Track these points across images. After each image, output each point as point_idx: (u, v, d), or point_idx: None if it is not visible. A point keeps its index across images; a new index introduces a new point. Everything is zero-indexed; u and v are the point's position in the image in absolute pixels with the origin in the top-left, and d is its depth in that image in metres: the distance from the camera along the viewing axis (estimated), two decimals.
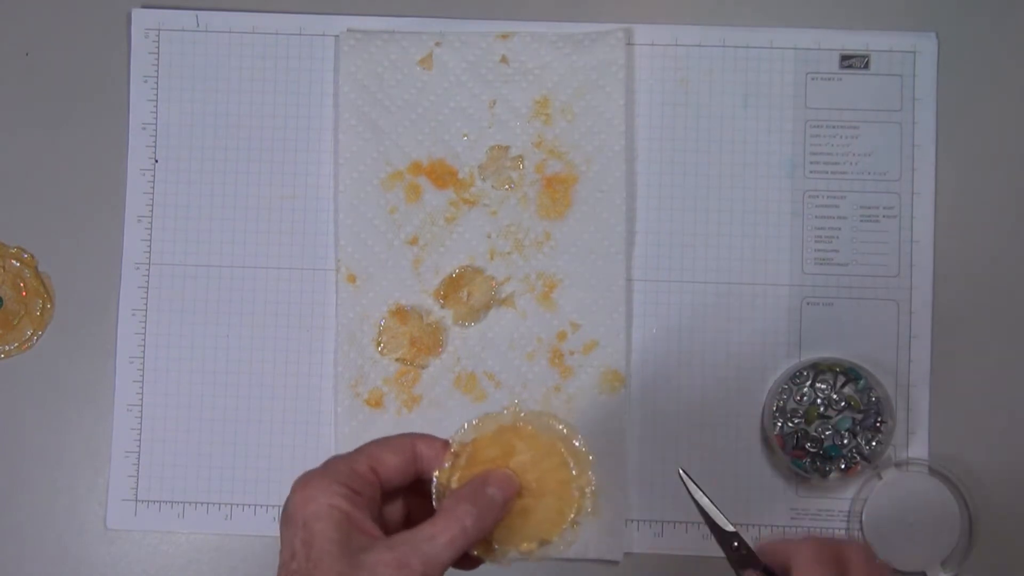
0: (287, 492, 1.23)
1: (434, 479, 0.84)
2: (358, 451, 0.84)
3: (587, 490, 0.85)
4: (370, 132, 1.25)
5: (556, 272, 1.23)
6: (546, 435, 0.86)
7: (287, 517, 0.81)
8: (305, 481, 0.81)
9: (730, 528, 0.87)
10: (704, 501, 0.89)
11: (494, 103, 1.25)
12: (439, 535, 0.79)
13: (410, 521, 0.86)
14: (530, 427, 0.86)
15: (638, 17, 1.27)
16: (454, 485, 0.84)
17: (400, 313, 1.23)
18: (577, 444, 0.86)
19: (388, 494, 0.85)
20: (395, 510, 0.87)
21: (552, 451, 0.86)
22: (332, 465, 0.82)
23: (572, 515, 0.85)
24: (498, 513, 0.83)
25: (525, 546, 0.85)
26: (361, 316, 1.24)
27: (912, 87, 1.26)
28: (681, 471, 0.89)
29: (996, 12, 1.27)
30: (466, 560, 0.84)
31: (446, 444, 0.86)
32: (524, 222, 1.24)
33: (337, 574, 0.76)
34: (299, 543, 0.79)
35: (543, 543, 0.85)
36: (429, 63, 1.25)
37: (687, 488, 0.89)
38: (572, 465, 0.85)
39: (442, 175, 1.24)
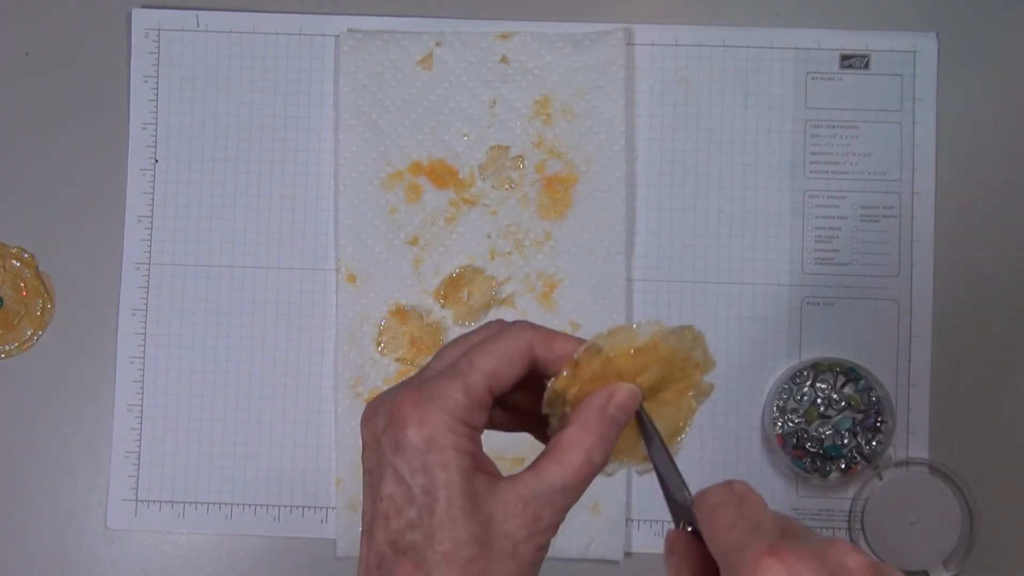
0: (287, 492, 1.23)
1: (548, 385, 0.75)
2: (469, 363, 0.73)
3: (703, 396, 0.79)
4: (370, 132, 1.25)
5: (556, 272, 1.23)
6: (683, 355, 0.77)
7: (397, 447, 0.71)
8: (423, 412, 0.70)
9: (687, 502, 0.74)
10: (661, 455, 0.76)
11: (494, 103, 1.25)
12: (569, 479, 0.72)
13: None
14: (666, 347, 0.76)
15: (638, 17, 1.27)
16: (570, 397, 0.75)
17: (400, 313, 1.23)
18: (699, 353, 0.78)
19: None
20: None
21: (683, 370, 0.78)
22: (445, 390, 0.71)
23: (683, 426, 0.79)
24: (620, 432, 0.74)
25: (636, 460, 0.78)
26: (361, 316, 1.24)
27: (912, 87, 1.26)
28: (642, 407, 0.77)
29: (996, 12, 1.27)
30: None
31: (573, 344, 0.75)
32: (524, 222, 1.24)
33: (466, 536, 0.69)
34: (419, 490, 0.70)
35: (645, 459, 0.78)
36: (429, 63, 1.25)
37: (644, 427, 0.77)
38: (694, 376, 0.78)
39: (442, 175, 1.24)
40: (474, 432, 0.71)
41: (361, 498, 0.75)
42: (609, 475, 0.78)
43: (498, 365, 0.73)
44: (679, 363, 0.77)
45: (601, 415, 0.73)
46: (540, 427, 0.77)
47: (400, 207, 1.24)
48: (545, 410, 0.76)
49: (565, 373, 0.74)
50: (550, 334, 0.75)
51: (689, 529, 0.72)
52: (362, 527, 0.73)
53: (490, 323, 0.77)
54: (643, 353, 0.76)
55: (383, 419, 0.71)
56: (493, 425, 0.77)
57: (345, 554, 1.22)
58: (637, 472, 0.79)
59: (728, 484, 0.71)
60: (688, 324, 0.76)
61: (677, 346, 0.76)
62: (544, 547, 0.72)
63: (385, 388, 1.16)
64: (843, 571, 0.63)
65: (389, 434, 0.71)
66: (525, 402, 0.78)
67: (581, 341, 0.75)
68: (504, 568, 0.70)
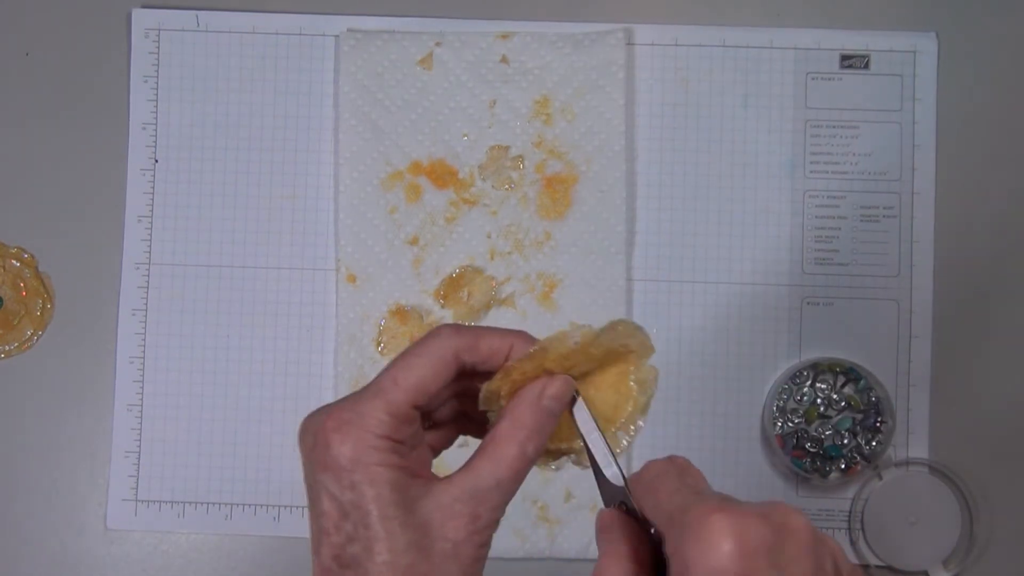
0: (287, 492, 1.23)
1: (482, 388, 0.75)
2: (391, 381, 0.72)
3: (648, 379, 0.78)
4: (370, 132, 1.25)
5: (556, 272, 1.23)
6: (616, 345, 0.76)
7: (324, 465, 0.71)
8: (344, 434, 0.70)
9: (620, 484, 0.73)
10: (593, 438, 0.75)
11: (494, 103, 1.25)
12: (503, 474, 0.72)
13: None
14: (598, 346, 0.75)
15: (638, 17, 1.27)
16: (504, 393, 0.75)
17: (400, 313, 1.23)
18: (636, 338, 0.77)
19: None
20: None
21: (618, 356, 0.77)
22: (367, 409, 0.71)
23: (628, 410, 0.78)
24: (553, 426, 0.74)
25: (567, 444, 0.78)
26: (361, 316, 1.24)
27: (912, 87, 1.26)
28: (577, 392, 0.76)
29: (996, 12, 1.27)
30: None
31: (502, 340, 0.75)
32: (524, 222, 1.24)
33: (403, 545, 0.69)
34: (344, 506, 0.70)
35: (566, 453, 0.78)
36: (429, 63, 1.25)
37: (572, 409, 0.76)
38: (627, 360, 0.77)
39: (442, 175, 1.24)
40: (400, 446, 0.71)
41: None
42: (555, 470, 0.78)
43: (421, 379, 0.72)
44: (613, 354, 0.77)
45: (533, 407, 0.73)
46: (479, 428, 0.78)
47: (400, 207, 1.24)
48: (482, 407, 0.76)
49: (498, 375, 0.74)
50: (475, 336, 0.75)
51: (624, 509, 0.72)
52: (311, 544, 0.73)
53: (422, 336, 0.76)
54: (575, 355, 0.75)
55: (311, 438, 0.72)
56: (434, 447, 0.79)
57: None
58: (578, 466, 0.78)
59: (669, 458, 0.72)
60: (622, 318, 0.76)
61: (610, 340, 0.76)
62: (485, 544, 0.72)
63: None
64: (786, 529, 0.64)
65: (317, 452, 0.71)
66: (463, 404, 0.79)
67: (510, 333, 0.75)
68: (446, 570, 0.70)
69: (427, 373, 0.73)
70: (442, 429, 0.80)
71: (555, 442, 0.77)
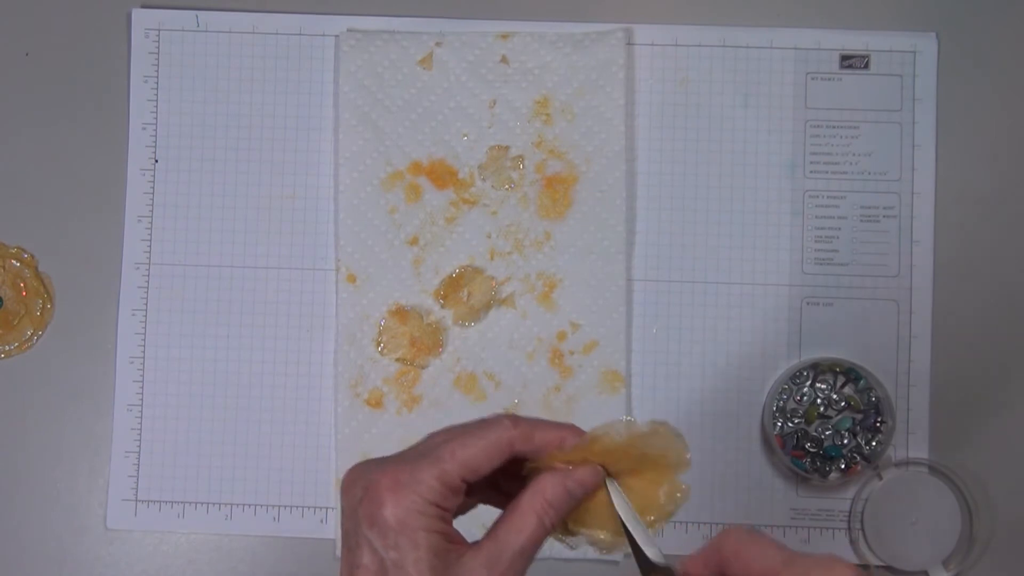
0: (287, 492, 1.23)
1: (525, 466, 0.81)
2: (450, 453, 0.78)
3: (675, 493, 0.83)
4: (370, 132, 1.25)
5: (556, 272, 1.23)
6: (655, 452, 0.82)
7: (372, 521, 0.76)
8: (397, 496, 0.76)
9: (660, 561, 0.79)
10: (630, 521, 0.81)
11: (494, 103, 1.25)
12: (523, 543, 0.78)
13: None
14: (640, 446, 0.82)
15: (638, 17, 1.27)
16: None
17: (400, 313, 1.23)
18: (675, 447, 0.83)
19: None
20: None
21: (655, 463, 0.83)
22: (422, 475, 0.77)
23: (650, 518, 0.82)
24: (574, 504, 0.80)
25: (603, 533, 0.83)
26: (361, 316, 1.24)
27: (912, 87, 1.26)
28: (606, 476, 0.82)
29: (996, 12, 1.27)
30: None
31: (558, 434, 0.81)
32: (524, 222, 1.24)
33: None
34: (391, 564, 0.75)
35: (618, 534, 0.83)
36: (429, 63, 1.25)
37: (610, 495, 0.82)
38: (665, 468, 0.83)
39: (442, 175, 1.24)
40: (446, 513, 0.77)
41: None
42: (572, 548, 0.85)
43: (476, 458, 0.78)
44: (651, 458, 0.82)
45: (555, 484, 0.79)
46: (501, 498, 0.84)
47: (400, 207, 1.24)
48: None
49: (544, 457, 0.80)
50: (531, 428, 0.80)
51: None
52: None
53: (482, 420, 0.81)
54: (616, 451, 0.81)
55: (360, 491, 0.77)
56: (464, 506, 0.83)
57: None
58: (600, 551, 0.84)
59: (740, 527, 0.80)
60: (664, 421, 0.82)
61: (649, 445, 0.82)
62: None
63: (385, 388, 1.17)
64: None
65: (365, 507, 0.76)
66: (494, 475, 0.82)
67: (563, 428, 0.81)
68: None
69: (482, 455, 0.78)
70: (471, 496, 0.83)
71: (579, 525, 0.83)
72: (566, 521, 0.83)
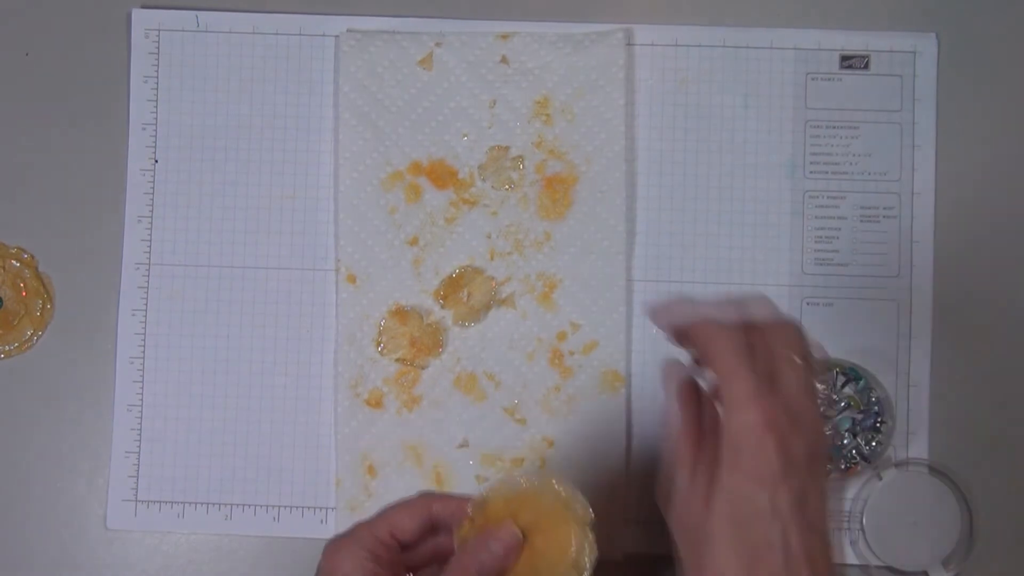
0: (287, 492, 1.24)
1: (455, 536, 0.95)
2: (380, 516, 0.95)
3: (582, 545, 0.93)
4: (370, 132, 1.25)
5: (556, 272, 1.23)
6: (549, 498, 0.95)
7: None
8: (335, 547, 0.93)
9: None
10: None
11: (494, 103, 1.25)
12: None
13: (437, 555, 0.97)
14: (535, 492, 0.96)
15: (638, 17, 1.27)
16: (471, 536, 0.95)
17: (400, 313, 1.23)
18: (576, 507, 0.95)
19: (422, 551, 0.97)
20: (421, 557, 0.98)
21: (553, 513, 0.95)
22: (357, 532, 0.93)
23: (565, 566, 0.93)
24: (498, 562, 0.92)
25: None
26: (361, 316, 1.24)
27: (912, 87, 1.26)
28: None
29: (996, 12, 1.27)
30: None
31: (461, 505, 0.95)
32: (524, 222, 1.24)
33: None
34: None
35: None
36: (429, 63, 1.25)
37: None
38: (572, 524, 0.94)
39: (442, 175, 1.24)
40: (379, 558, 0.92)
41: (361, 499, 0.94)
42: None
43: (401, 517, 0.94)
44: (555, 510, 0.95)
45: (481, 541, 0.93)
46: None
47: (400, 207, 1.24)
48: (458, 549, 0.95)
49: (464, 524, 0.94)
50: (447, 496, 0.97)
51: None
52: None
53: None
54: (515, 502, 0.96)
55: (319, 565, 0.94)
56: None
57: None
58: None
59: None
60: (555, 480, 0.96)
61: (547, 495, 0.96)
62: None
63: (385, 388, 1.18)
64: (794, 411, 0.88)
65: (319, 570, 0.93)
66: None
67: (469, 497, 0.96)
68: None
69: (403, 514, 0.95)
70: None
71: None
72: None
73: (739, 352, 0.88)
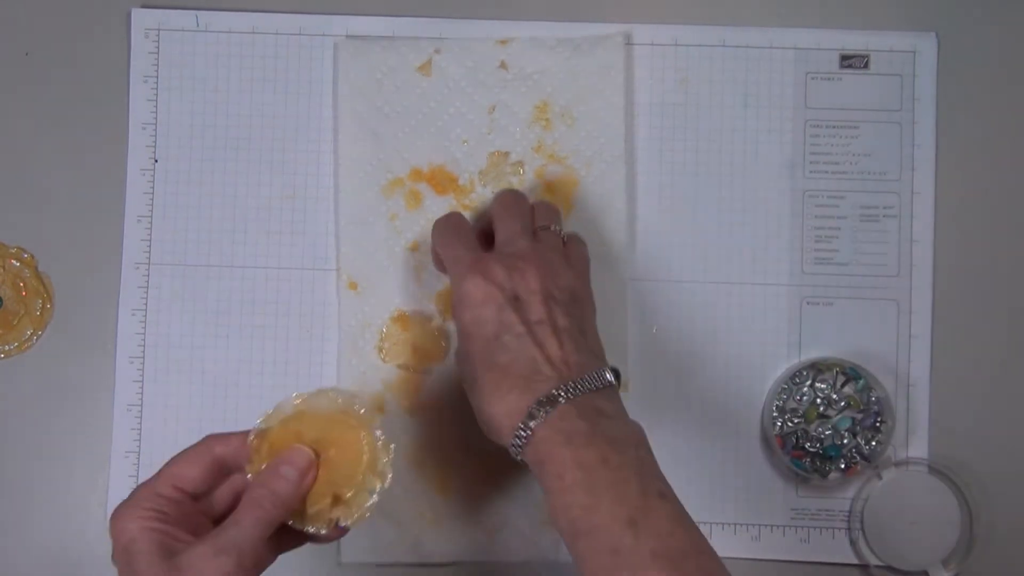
0: None
1: (246, 471, 0.96)
2: (159, 473, 0.95)
3: (373, 445, 0.97)
4: (370, 139, 1.25)
5: None
6: (326, 411, 0.99)
7: (112, 552, 0.91)
8: (116, 515, 0.92)
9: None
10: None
11: (493, 108, 1.25)
12: (243, 519, 0.91)
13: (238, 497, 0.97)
14: (313, 407, 0.99)
15: (638, 17, 1.26)
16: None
17: (402, 320, 1.23)
18: (355, 409, 0.98)
19: (208, 494, 0.98)
20: (226, 501, 0.99)
21: (337, 422, 0.98)
22: (137, 494, 0.93)
23: (361, 471, 0.96)
24: (294, 487, 0.94)
25: (319, 505, 0.96)
26: (363, 323, 1.24)
27: (912, 87, 1.26)
28: None
29: (996, 12, 1.27)
30: (293, 533, 0.97)
31: (243, 438, 0.97)
32: None
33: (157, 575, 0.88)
34: (124, 567, 0.90)
35: (336, 500, 0.96)
36: (428, 69, 1.25)
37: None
38: (358, 429, 0.98)
39: (442, 181, 1.24)
40: (165, 515, 0.91)
41: None
42: (324, 534, 0.97)
43: (180, 468, 0.95)
44: (327, 419, 0.98)
45: (271, 468, 0.95)
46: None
47: (401, 214, 1.24)
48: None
49: (252, 458, 0.96)
50: (227, 435, 0.98)
51: None
52: None
53: None
54: (296, 422, 0.98)
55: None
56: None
57: (349, 559, 1.23)
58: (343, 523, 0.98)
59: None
60: (321, 388, 0.99)
61: (324, 407, 0.99)
62: None
63: (387, 394, 1.17)
64: (518, 271, 1.04)
65: (111, 539, 0.91)
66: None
67: (240, 433, 0.98)
68: None
69: (185, 463, 0.96)
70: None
71: (309, 504, 0.97)
72: (302, 509, 0.96)
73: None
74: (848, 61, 1.26)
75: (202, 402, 1.26)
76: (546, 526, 1.21)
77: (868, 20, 1.27)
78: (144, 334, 1.26)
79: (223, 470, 0.97)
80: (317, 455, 0.96)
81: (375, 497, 0.97)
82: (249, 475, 0.96)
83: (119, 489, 1.24)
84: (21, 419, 1.26)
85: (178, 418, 1.25)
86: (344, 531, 0.98)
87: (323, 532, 0.96)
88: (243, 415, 1.25)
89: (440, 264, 1.14)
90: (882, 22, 1.26)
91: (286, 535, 0.97)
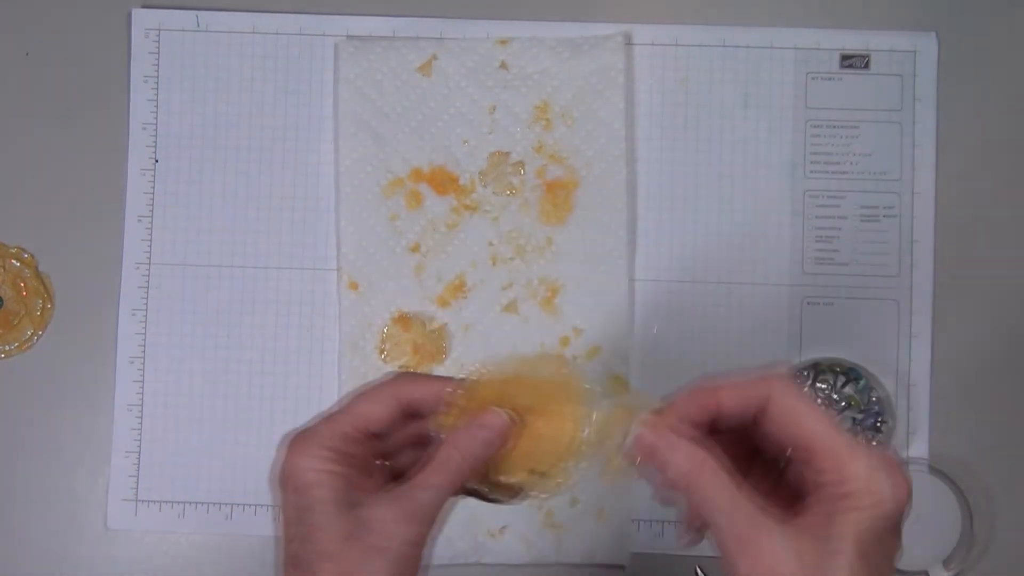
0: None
1: (433, 423, 0.87)
2: (342, 410, 0.86)
3: (584, 422, 0.85)
4: (370, 139, 1.25)
5: (558, 277, 1.23)
6: (546, 378, 0.88)
7: (282, 483, 0.84)
8: (293, 447, 0.84)
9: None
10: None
11: (494, 109, 1.25)
12: (432, 483, 0.83)
13: (414, 440, 0.90)
14: (529, 373, 0.89)
15: (638, 17, 1.27)
16: (451, 424, 0.87)
17: (403, 320, 1.23)
18: (582, 382, 0.87)
19: (397, 438, 0.89)
20: (399, 443, 0.90)
21: (556, 393, 0.87)
22: (318, 429, 0.85)
23: (567, 447, 0.85)
24: (487, 451, 0.85)
25: (516, 477, 0.87)
26: (364, 324, 1.24)
27: (912, 87, 1.26)
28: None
29: (996, 12, 1.27)
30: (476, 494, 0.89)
31: (439, 386, 0.88)
32: (525, 228, 1.24)
33: (341, 534, 0.80)
34: (294, 510, 0.82)
35: (533, 473, 0.86)
36: (428, 70, 1.25)
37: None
38: (574, 403, 0.86)
39: (443, 182, 1.24)
40: (346, 458, 0.83)
41: None
42: (507, 501, 0.89)
43: (366, 406, 0.86)
44: (558, 390, 0.87)
45: (466, 429, 0.85)
46: None
47: (401, 214, 1.24)
48: (432, 433, 0.87)
49: (445, 413, 0.86)
50: (427, 378, 0.89)
51: None
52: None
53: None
54: (510, 384, 0.88)
55: (276, 464, 0.85)
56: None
57: None
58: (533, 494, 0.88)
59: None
60: (554, 354, 0.94)
61: (547, 373, 0.88)
62: (418, 545, 0.82)
63: None
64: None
65: (278, 471, 0.84)
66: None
67: (450, 379, 0.88)
68: (375, 564, 0.80)
69: (370, 404, 0.86)
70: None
71: (498, 474, 0.87)
72: (486, 473, 0.87)
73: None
74: (848, 61, 1.26)
75: (202, 402, 1.26)
76: (546, 528, 1.22)
77: (868, 20, 1.27)
78: (144, 334, 1.26)
79: (410, 413, 0.88)
80: (524, 422, 0.86)
81: (572, 481, 0.86)
82: (432, 427, 0.87)
83: (119, 489, 1.25)
84: (21, 419, 1.26)
85: (178, 418, 1.25)
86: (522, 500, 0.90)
87: (504, 502, 0.89)
88: (243, 415, 1.25)
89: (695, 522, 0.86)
90: (882, 22, 1.27)
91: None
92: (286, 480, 0.83)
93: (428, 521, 0.83)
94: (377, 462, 0.88)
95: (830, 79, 1.26)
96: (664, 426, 0.81)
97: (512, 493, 0.87)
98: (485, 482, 0.87)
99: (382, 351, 1.23)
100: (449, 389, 0.87)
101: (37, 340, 1.26)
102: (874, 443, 1.20)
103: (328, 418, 0.86)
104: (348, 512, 0.81)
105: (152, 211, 1.26)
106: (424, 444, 0.88)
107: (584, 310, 1.23)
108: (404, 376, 0.89)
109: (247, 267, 1.26)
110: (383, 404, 0.86)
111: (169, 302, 1.26)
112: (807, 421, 0.79)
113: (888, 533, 0.80)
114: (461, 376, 0.88)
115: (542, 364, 0.89)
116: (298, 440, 0.84)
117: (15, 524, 1.25)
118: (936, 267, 1.24)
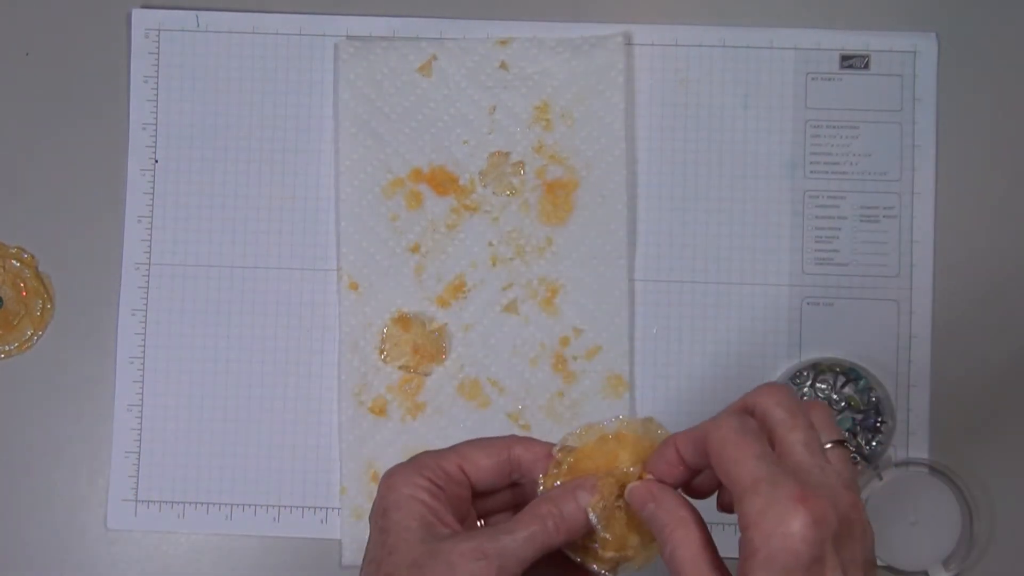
0: (287, 492, 1.24)
1: (539, 484, 0.84)
2: (451, 448, 0.85)
3: None
4: (370, 140, 1.25)
5: (558, 277, 1.23)
6: (649, 442, 0.83)
7: (373, 508, 0.83)
8: (390, 473, 0.83)
9: None
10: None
11: (494, 109, 1.25)
12: (519, 530, 0.79)
13: (515, 504, 0.88)
14: (632, 435, 0.84)
15: (638, 17, 1.26)
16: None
17: (403, 320, 1.23)
18: None
19: (487, 494, 0.87)
20: (498, 507, 0.89)
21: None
22: (420, 459, 0.84)
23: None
24: (586, 515, 0.81)
25: (616, 552, 0.83)
26: (364, 324, 1.24)
27: (912, 87, 1.26)
28: None
29: (996, 12, 1.27)
30: (566, 565, 0.84)
31: (547, 449, 0.85)
32: (526, 228, 1.24)
33: (412, 560, 0.78)
34: (377, 531, 0.81)
35: (623, 558, 0.83)
36: (428, 70, 1.25)
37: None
38: None
39: (443, 182, 1.24)
40: (438, 491, 0.82)
41: (366, 506, 0.91)
42: (603, 571, 0.83)
43: (475, 452, 0.85)
44: (647, 450, 0.83)
45: (566, 489, 0.82)
46: None
47: (401, 214, 1.24)
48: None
49: (551, 471, 0.84)
50: (532, 440, 0.87)
51: None
52: None
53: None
54: (608, 442, 0.83)
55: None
56: None
57: (350, 562, 1.23)
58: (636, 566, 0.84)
59: (742, 416, 0.79)
60: (650, 416, 0.85)
61: (641, 434, 0.84)
62: None
63: (388, 396, 1.18)
64: (848, 520, 0.74)
65: (377, 497, 0.83)
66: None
67: (552, 444, 0.86)
68: None
69: (480, 452, 0.85)
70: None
71: (611, 549, 0.82)
72: (587, 544, 0.83)
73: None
74: (848, 61, 1.26)
75: (202, 402, 1.26)
76: None
77: (868, 20, 1.27)
78: (144, 334, 1.26)
79: (513, 474, 0.86)
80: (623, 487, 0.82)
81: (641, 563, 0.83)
82: (540, 490, 0.84)
83: (119, 489, 1.25)
84: (21, 419, 1.26)
85: (178, 418, 1.25)
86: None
87: (604, 573, 0.83)
88: (243, 416, 1.25)
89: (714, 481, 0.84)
90: (882, 22, 1.27)
91: (555, 568, 0.85)
92: (376, 504, 0.83)
93: (504, 570, 0.78)
94: (478, 521, 0.88)
95: (830, 79, 1.26)
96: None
97: (611, 564, 0.84)
98: (582, 549, 0.83)
99: (382, 351, 1.23)
100: (555, 450, 0.85)
101: (37, 340, 1.26)
102: (874, 443, 1.20)
103: (435, 452, 0.85)
104: (425, 542, 0.79)
105: (152, 211, 1.26)
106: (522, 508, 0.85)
107: (584, 310, 1.23)
108: (515, 436, 0.87)
109: (247, 267, 1.26)
110: (491, 454, 0.85)
111: (169, 302, 1.26)
112: (726, 463, 0.75)
113: None
114: (566, 440, 0.85)
115: (648, 427, 0.85)
116: (400, 465, 0.84)
117: (15, 524, 1.25)
118: (936, 267, 1.24)
